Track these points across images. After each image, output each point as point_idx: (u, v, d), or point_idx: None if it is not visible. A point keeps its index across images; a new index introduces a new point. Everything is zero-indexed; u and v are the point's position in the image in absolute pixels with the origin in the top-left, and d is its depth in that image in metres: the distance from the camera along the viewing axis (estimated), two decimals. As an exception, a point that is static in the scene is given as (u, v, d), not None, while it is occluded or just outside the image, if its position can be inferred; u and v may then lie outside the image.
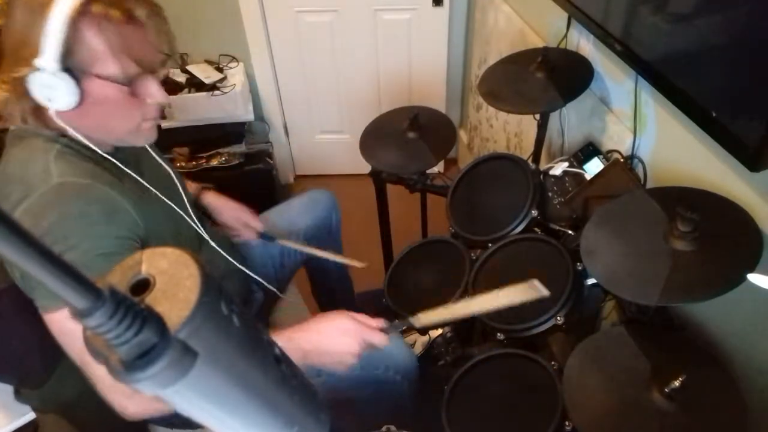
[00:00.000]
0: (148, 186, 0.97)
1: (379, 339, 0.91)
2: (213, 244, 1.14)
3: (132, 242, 0.88)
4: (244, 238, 1.38)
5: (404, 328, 0.93)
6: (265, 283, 1.32)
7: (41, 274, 0.23)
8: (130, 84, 0.85)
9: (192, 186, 1.37)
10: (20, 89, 0.79)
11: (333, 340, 0.90)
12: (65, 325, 0.82)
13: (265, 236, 1.40)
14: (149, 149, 1.08)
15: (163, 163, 1.11)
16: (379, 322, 0.93)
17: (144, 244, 0.91)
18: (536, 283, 0.76)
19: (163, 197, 1.00)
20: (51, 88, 0.78)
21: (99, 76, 0.81)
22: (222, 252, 1.16)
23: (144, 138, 0.96)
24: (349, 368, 0.91)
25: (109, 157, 0.92)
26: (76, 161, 0.88)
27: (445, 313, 0.88)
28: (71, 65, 0.78)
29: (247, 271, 1.24)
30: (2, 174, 0.89)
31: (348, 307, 1.78)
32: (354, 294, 1.84)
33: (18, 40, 0.77)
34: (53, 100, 0.79)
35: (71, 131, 0.86)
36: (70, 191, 0.83)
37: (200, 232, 1.12)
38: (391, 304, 1.25)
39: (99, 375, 0.84)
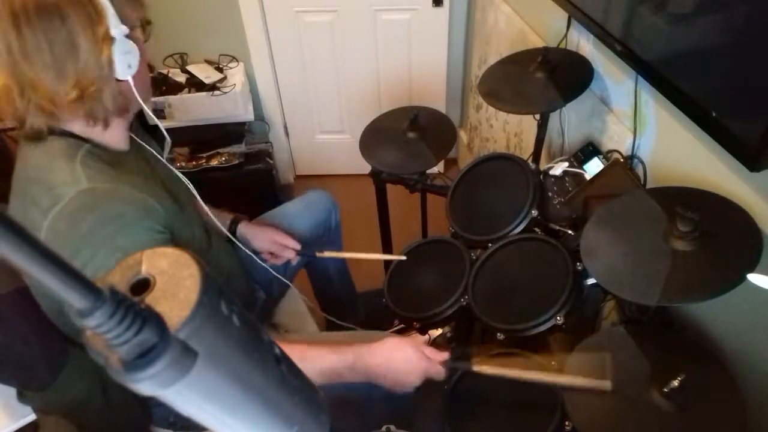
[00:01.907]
0: (164, 183, 0.98)
1: (440, 374, 0.97)
2: (227, 233, 1.14)
3: (167, 235, 0.90)
4: (282, 261, 1.39)
5: (461, 369, 1.00)
6: (277, 274, 1.33)
7: (41, 274, 0.23)
8: (144, 27, 0.91)
9: (225, 217, 1.38)
10: (106, 73, 0.84)
11: (398, 370, 0.95)
12: None
13: (303, 253, 1.40)
14: (160, 157, 1.09)
15: (176, 171, 1.13)
16: (444, 356, 0.98)
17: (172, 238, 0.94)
18: (608, 383, 0.82)
19: (183, 197, 1.02)
20: (128, 54, 0.84)
21: (134, 28, 0.87)
22: (237, 242, 1.17)
23: (150, 93, 1.00)
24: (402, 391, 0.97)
25: (125, 155, 0.94)
26: (100, 166, 0.88)
27: (507, 371, 0.92)
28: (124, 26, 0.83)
29: (265, 265, 1.25)
30: (22, 177, 0.89)
31: (352, 305, 1.79)
32: (357, 294, 1.84)
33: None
34: (132, 66, 0.85)
35: (142, 104, 0.92)
36: (101, 195, 0.84)
37: (213, 232, 1.12)
38: (391, 305, 1.25)
39: None
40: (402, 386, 0.96)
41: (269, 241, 1.36)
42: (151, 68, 2.24)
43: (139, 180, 0.93)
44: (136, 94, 0.88)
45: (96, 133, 0.90)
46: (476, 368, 0.94)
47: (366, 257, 1.36)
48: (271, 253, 1.38)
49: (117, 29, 0.81)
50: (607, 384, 0.81)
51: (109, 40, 0.81)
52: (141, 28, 0.91)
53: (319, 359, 0.93)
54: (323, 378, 0.93)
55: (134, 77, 0.87)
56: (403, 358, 0.95)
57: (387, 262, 1.35)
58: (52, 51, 0.79)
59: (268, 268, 1.28)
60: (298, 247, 1.38)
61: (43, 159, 0.88)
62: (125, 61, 0.84)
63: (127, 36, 0.83)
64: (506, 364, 0.94)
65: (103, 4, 0.80)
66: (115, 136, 0.95)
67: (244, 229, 1.37)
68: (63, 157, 0.87)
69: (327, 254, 1.40)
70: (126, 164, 0.94)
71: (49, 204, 0.82)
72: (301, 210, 1.55)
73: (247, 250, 1.21)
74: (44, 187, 0.85)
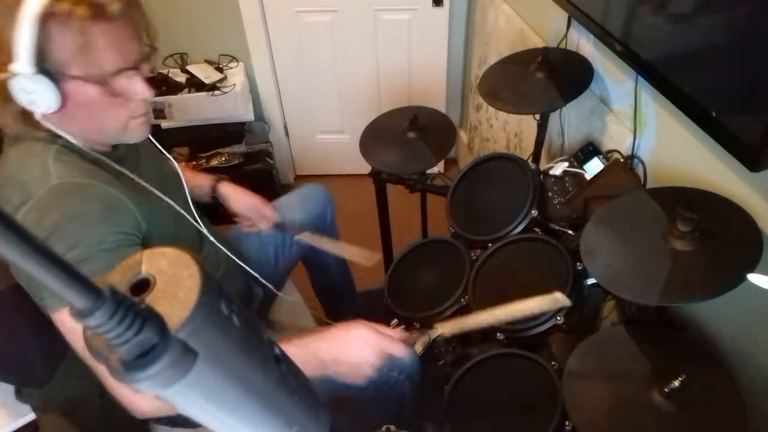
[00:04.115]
0: (145, 185, 0.97)
1: (399, 349, 0.90)
2: (213, 240, 1.14)
3: (134, 237, 0.88)
4: (257, 229, 1.38)
5: (426, 340, 0.94)
6: (266, 283, 1.32)
7: (42, 274, 0.23)
8: (107, 82, 0.83)
9: (206, 177, 1.37)
10: (5, 93, 0.79)
11: (351, 351, 0.89)
12: (72, 324, 0.83)
13: (280, 227, 1.40)
14: (153, 141, 1.08)
15: (170, 158, 1.11)
16: (399, 333, 0.93)
17: (145, 241, 0.92)
18: (558, 294, 0.77)
19: (161, 195, 1.00)
20: (31, 92, 0.77)
21: (75, 77, 0.80)
22: (223, 249, 1.16)
23: (135, 135, 0.94)
24: (365, 379, 0.90)
25: (104, 158, 0.92)
26: (74, 161, 0.88)
27: (462, 323, 0.88)
28: (47, 67, 0.77)
29: (250, 270, 1.24)
30: (0, 177, 0.89)
31: (351, 302, 1.79)
32: (356, 289, 1.83)
33: None
34: (35, 104, 0.79)
35: (61, 133, 0.86)
36: (69, 191, 0.84)
37: (201, 229, 1.12)
38: (391, 304, 1.25)
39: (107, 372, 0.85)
40: (359, 370, 0.89)
41: (248, 205, 1.37)
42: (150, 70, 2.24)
43: (115, 175, 0.92)
44: (49, 126, 0.84)
45: (65, 131, 0.89)
46: (434, 333, 0.90)
47: (340, 251, 1.37)
48: (246, 219, 1.38)
49: (20, 65, 0.75)
50: (559, 296, 0.77)
51: (6, 71, 0.76)
52: (106, 82, 0.84)
53: None
54: None
55: (62, 114, 0.82)
56: (353, 339, 0.89)
57: (387, 261, 1.36)
58: None
59: (256, 275, 1.28)
60: (275, 217, 1.38)
61: (18, 158, 0.88)
62: (26, 98, 0.78)
63: (49, 75, 0.77)
64: (463, 320, 0.91)
65: (11, 39, 0.74)
66: (95, 139, 0.93)
67: (226, 188, 1.37)
68: (36, 155, 0.86)
69: (303, 237, 1.41)
70: (104, 159, 0.93)
71: (21, 200, 0.82)
72: (294, 203, 1.54)
73: (236, 259, 1.20)
74: (17, 185, 0.84)
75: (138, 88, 0.88)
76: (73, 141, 0.89)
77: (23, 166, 0.87)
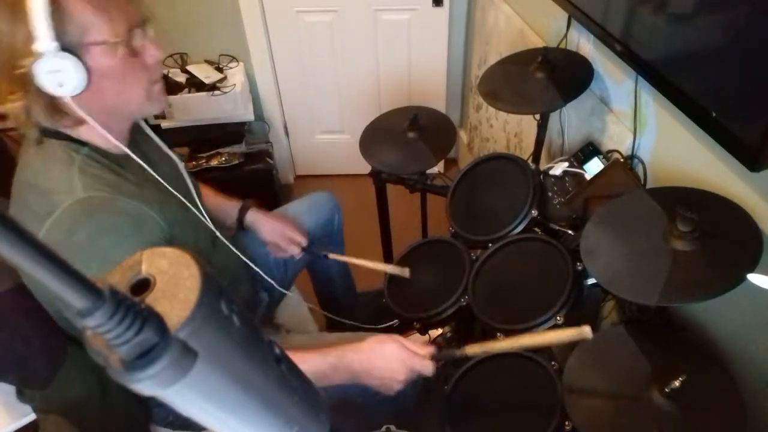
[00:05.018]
0: (169, 188, 0.97)
1: (427, 368, 0.96)
2: (227, 243, 1.14)
3: (163, 245, 0.88)
4: (287, 255, 1.38)
5: (451, 357, 0.99)
6: (275, 284, 1.32)
7: (41, 274, 0.23)
8: (125, 42, 0.84)
9: (232, 204, 1.36)
10: (30, 86, 0.79)
11: (382, 366, 0.95)
12: None
13: (310, 251, 1.40)
14: (164, 147, 1.08)
15: (177, 159, 1.11)
16: (428, 350, 0.97)
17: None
18: (587, 328, 0.80)
19: (182, 199, 1.00)
20: (57, 72, 0.77)
21: (96, 43, 0.81)
22: (238, 253, 1.16)
23: (157, 103, 0.96)
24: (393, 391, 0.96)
25: (130, 153, 0.92)
26: (99, 174, 0.88)
27: (489, 348, 0.94)
28: (68, 42, 0.78)
29: (264, 275, 1.24)
30: (20, 182, 0.88)
31: (349, 308, 1.79)
32: (356, 296, 1.84)
33: (5, 43, 0.77)
34: (64, 84, 0.78)
35: (91, 121, 0.85)
36: (98, 205, 0.84)
37: (216, 233, 1.11)
38: (391, 304, 1.25)
39: None
40: (388, 384, 0.95)
41: (278, 233, 1.36)
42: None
43: (138, 186, 0.92)
44: (78, 111, 0.82)
45: (93, 136, 0.89)
46: (462, 352, 0.94)
47: (372, 266, 1.34)
48: (276, 245, 1.38)
49: (43, 44, 0.75)
50: (587, 330, 0.80)
51: (29, 56, 0.76)
52: (125, 40, 0.84)
53: (301, 363, 0.91)
54: None
55: (89, 94, 0.81)
56: (385, 354, 0.95)
57: (387, 261, 1.35)
58: None
59: (266, 277, 1.28)
60: (305, 243, 1.38)
61: (40, 163, 0.87)
62: (54, 80, 0.77)
63: (71, 51, 0.77)
64: (494, 344, 0.95)
65: (29, 19, 0.74)
66: (112, 139, 0.92)
67: (254, 217, 1.36)
68: (60, 162, 0.86)
69: (335, 257, 1.40)
70: (126, 168, 0.93)
71: (45, 212, 0.82)
72: (304, 210, 1.54)
73: (246, 260, 1.20)
74: (39, 192, 0.84)
75: (151, 46, 0.90)
76: (99, 144, 0.89)
77: (47, 171, 0.86)
